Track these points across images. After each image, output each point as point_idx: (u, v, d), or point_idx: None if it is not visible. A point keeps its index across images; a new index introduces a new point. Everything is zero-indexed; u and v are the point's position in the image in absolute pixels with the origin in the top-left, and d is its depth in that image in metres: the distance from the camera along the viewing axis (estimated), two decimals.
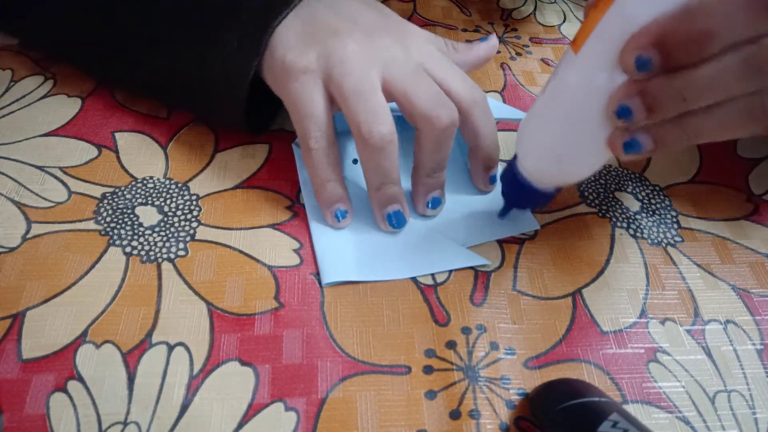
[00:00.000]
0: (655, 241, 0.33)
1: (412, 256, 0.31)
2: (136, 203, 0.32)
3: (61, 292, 0.29)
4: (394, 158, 0.30)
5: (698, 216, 0.35)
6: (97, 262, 0.30)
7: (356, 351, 0.28)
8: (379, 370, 0.27)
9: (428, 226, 0.33)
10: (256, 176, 0.34)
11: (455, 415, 0.26)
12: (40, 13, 0.35)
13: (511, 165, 0.29)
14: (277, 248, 0.31)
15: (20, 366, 0.26)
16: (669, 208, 0.35)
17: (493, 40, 0.36)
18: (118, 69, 0.35)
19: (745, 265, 0.33)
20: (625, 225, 0.34)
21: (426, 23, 0.47)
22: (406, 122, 0.31)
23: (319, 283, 0.30)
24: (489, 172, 0.34)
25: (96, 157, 0.35)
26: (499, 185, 0.34)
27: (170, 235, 0.31)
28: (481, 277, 0.31)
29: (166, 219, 0.32)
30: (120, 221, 0.32)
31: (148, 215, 0.32)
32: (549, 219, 0.34)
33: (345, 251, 0.31)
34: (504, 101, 0.41)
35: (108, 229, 0.31)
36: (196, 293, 0.29)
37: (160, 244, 0.31)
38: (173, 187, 0.33)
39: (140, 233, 0.31)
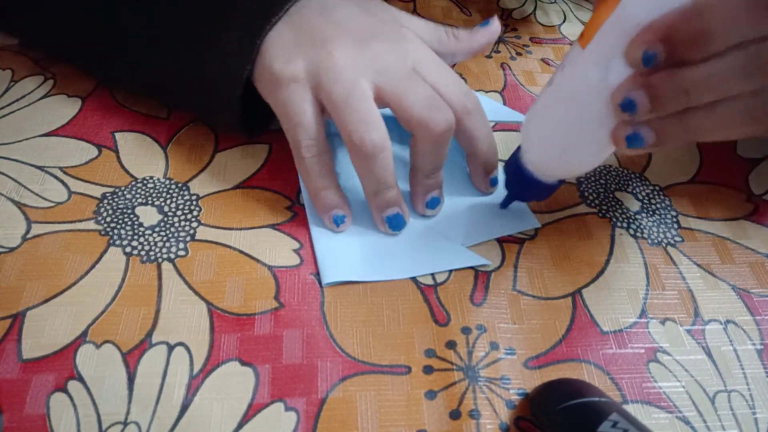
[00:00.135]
0: (655, 241, 0.33)
1: (412, 256, 0.31)
2: (136, 203, 0.32)
3: (61, 292, 0.29)
4: (388, 164, 0.29)
5: (698, 216, 0.35)
6: (97, 262, 0.30)
7: (356, 351, 0.28)
8: (379, 370, 0.27)
9: (428, 226, 0.33)
10: (256, 176, 0.34)
11: (455, 415, 0.26)
12: (40, 13, 0.35)
13: (515, 156, 0.30)
14: (277, 248, 0.31)
15: (20, 366, 0.26)
16: (669, 208, 0.35)
17: (494, 25, 0.35)
18: (118, 69, 0.35)
19: (745, 265, 0.33)
20: (625, 225, 0.34)
21: None
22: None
23: (319, 283, 0.30)
24: (489, 175, 0.34)
25: (96, 157, 0.35)
26: (499, 186, 0.35)
27: (170, 235, 0.31)
28: (481, 277, 0.31)
29: (166, 219, 0.32)
30: (120, 221, 0.32)
31: (148, 215, 0.32)
32: (549, 219, 0.34)
33: (345, 251, 0.31)
34: (504, 101, 0.41)
35: (108, 229, 0.31)
36: (196, 293, 0.29)
37: (160, 244, 0.31)
38: (173, 187, 0.33)
39: (140, 233, 0.31)
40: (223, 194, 0.33)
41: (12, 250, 0.30)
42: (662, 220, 0.34)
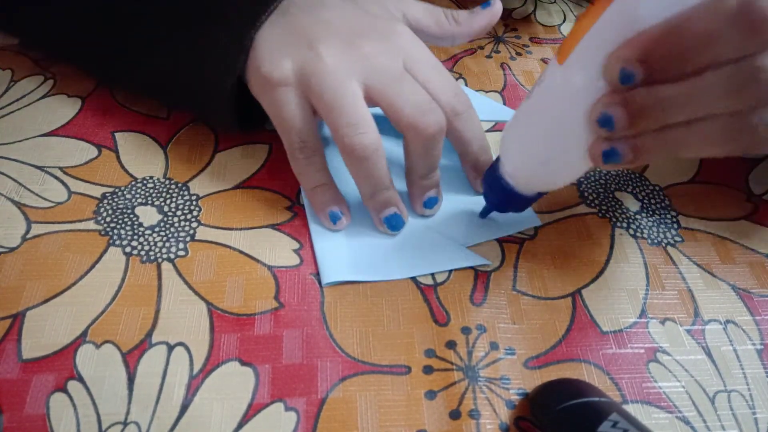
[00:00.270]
0: (655, 241, 0.33)
1: (412, 256, 0.31)
2: (136, 203, 0.32)
3: (61, 292, 0.29)
4: (381, 165, 0.29)
5: (698, 216, 0.35)
6: (97, 262, 0.30)
7: (356, 351, 0.28)
8: (379, 370, 0.27)
9: (428, 226, 0.33)
10: (256, 176, 0.34)
11: (455, 415, 0.26)
12: (40, 12, 0.35)
13: (493, 168, 0.29)
14: (277, 248, 0.31)
15: (20, 366, 0.26)
16: (669, 208, 0.35)
17: (496, 6, 0.35)
18: (118, 68, 0.35)
19: (745, 265, 0.33)
20: (625, 225, 0.34)
21: None
22: None
23: (319, 283, 0.30)
24: (481, 175, 0.34)
25: (96, 157, 0.35)
26: None
27: (170, 235, 0.31)
28: (481, 277, 0.31)
29: (166, 219, 0.32)
30: (120, 221, 0.32)
31: (148, 215, 0.32)
32: (549, 219, 0.34)
33: (345, 251, 0.31)
34: (504, 101, 0.41)
35: (108, 229, 0.31)
36: (196, 293, 0.29)
37: (160, 244, 0.31)
38: (173, 187, 0.33)
39: (140, 233, 0.31)
40: (223, 194, 0.33)
41: (12, 250, 0.30)
42: (662, 220, 0.34)
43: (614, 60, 0.21)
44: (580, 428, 0.23)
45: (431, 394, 0.27)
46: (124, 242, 0.31)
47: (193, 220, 0.32)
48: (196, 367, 0.27)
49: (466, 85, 0.42)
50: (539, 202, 0.34)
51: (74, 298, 0.28)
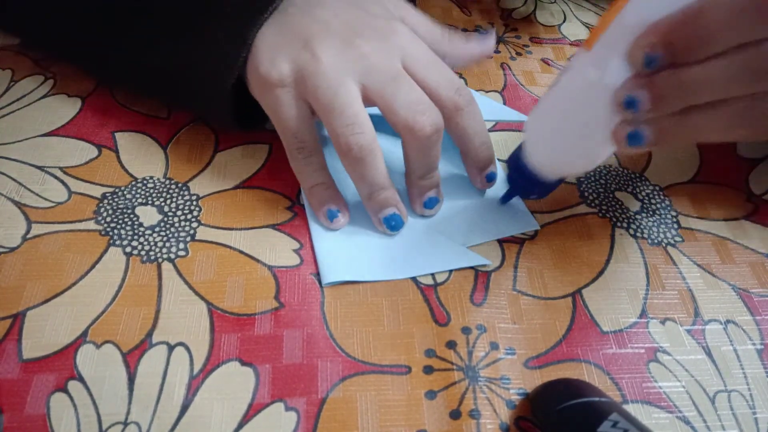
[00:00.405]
0: (655, 241, 0.33)
1: (412, 256, 0.31)
2: (136, 203, 0.32)
3: (62, 292, 0.29)
4: (378, 165, 0.29)
5: (698, 216, 0.35)
6: (97, 262, 0.30)
7: (356, 351, 0.28)
8: (379, 370, 0.27)
9: (428, 226, 0.33)
10: (256, 176, 0.34)
11: (455, 415, 0.26)
12: (41, 12, 0.35)
13: (517, 153, 0.30)
14: (277, 248, 0.31)
15: (20, 366, 0.26)
16: (669, 208, 0.35)
17: (490, 41, 0.35)
18: (118, 68, 0.35)
19: (745, 265, 0.33)
20: (625, 225, 0.34)
21: None
22: None
23: (319, 283, 0.30)
24: (484, 172, 0.33)
25: (96, 157, 0.35)
26: (497, 184, 0.35)
27: (170, 235, 0.31)
28: (481, 277, 0.31)
29: (166, 219, 0.32)
30: (120, 221, 0.32)
31: (148, 215, 0.32)
32: (549, 219, 0.34)
33: (345, 251, 0.31)
34: (504, 101, 0.41)
35: (108, 229, 0.31)
36: (197, 293, 0.29)
37: (160, 244, 0.31)
38: (173, 187, 0.33)
39: (140, 233, 0.31)
40: (223, 194, 0.33)
41: (12, 250, 0.30)
42: (662, 220, 0.34)
43: (638, 44, 0.21)
44: (580, 428, 0.23)
45: (431, 394, 0.27)
46: (125, 242, 0.31)
47: (193, 220, 0.32)
48: (197, 367, 0.27)
49: (466, 84, 0.42)
50: (540, 202, 0.34)
51: (74, 298, 0.28)
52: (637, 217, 0.34)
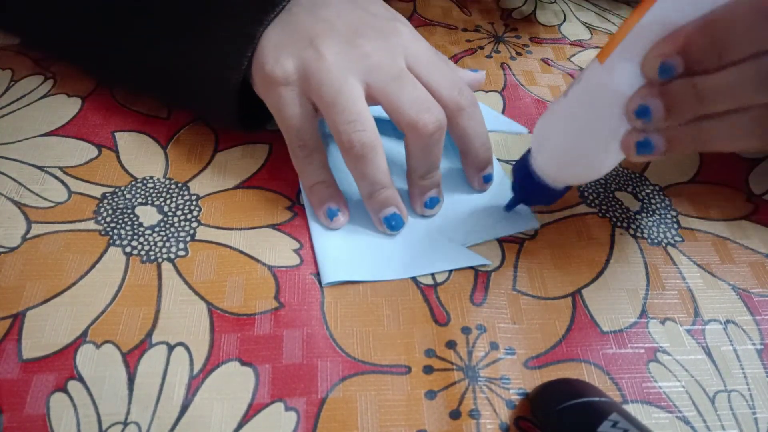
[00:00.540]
0: (655, 241, 0.33)
1: (412, 256, 0.31)
2: (136, 203, 0.32)
3: (61, 292, 0.29)
4: (380, 164, 0.29)
5: (698, 216, 0.35)
6: (97, 262, 0.30)
7: (356, 351, 0.28)
8: (379, 370, 0.27)
9: (428, 225, 0.33)
10: (256, 176, 0.34)
11: (455, 415, 0.26)
12: (41, 12, 0.35)
13: (524, 161, 0.30)
14: (277, 248, 0.31)
15: (20, 366, 0.26)
16: (669, 208, 0.35)
17: (480, 75, 0.36)
18: (118, 68, 0.35)
19: (745, 265, 0.33)
20: (625, 225, 0.34)
21: (426, 23, 0.47)
22: None
23: (319, 283, 0.30)
24: (482, 173, 0.34)
25: (96, 157, 0.35)
26: (495, 183, 0.35)
27: (170, 235, 0.31)
28: (481, 277, 0.31)
29: (166, 219, 0.32)
30: (120, 221, 0.32)
31: (148, 215, 0.32)
32: (549, 219, 0.34)
33: (345, 251, 0.31)
34: (504, 101, 0.41)
35: (108, 229, 0.31)
36: (196, 293, 0.29)
37: (160, 244, 0.31)
38: (173, 187, 0.33)
39: (140, 233, 0.31)
40: (223, 194, 0.33)
41: (12, 250, 0.30)
42: (662, 220, 0.34)
43: (654, 54, 0.21)
44: (580, 428, 0.23)
45: (431, 394, 0.27)
46: (124, 242, 0.31)
47: (193, 220, 0.32)
48: (197, 367, 0.27)
49: None
50: None
51: (74, 298, 0.28)
52: (637, 217, 0.34)
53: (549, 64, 0.44)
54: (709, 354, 0.29)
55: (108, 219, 0.32)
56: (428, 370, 0.27)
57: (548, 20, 0.49)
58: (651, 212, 0.35)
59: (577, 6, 0.51)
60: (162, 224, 0.32)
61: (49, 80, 0.39)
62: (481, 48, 0.45)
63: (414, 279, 0.31)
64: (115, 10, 0.33)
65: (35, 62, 0.40)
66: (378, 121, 0.29)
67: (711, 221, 0.35)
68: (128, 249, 0.30)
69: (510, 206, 0.33)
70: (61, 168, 0.34)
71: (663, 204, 0.35)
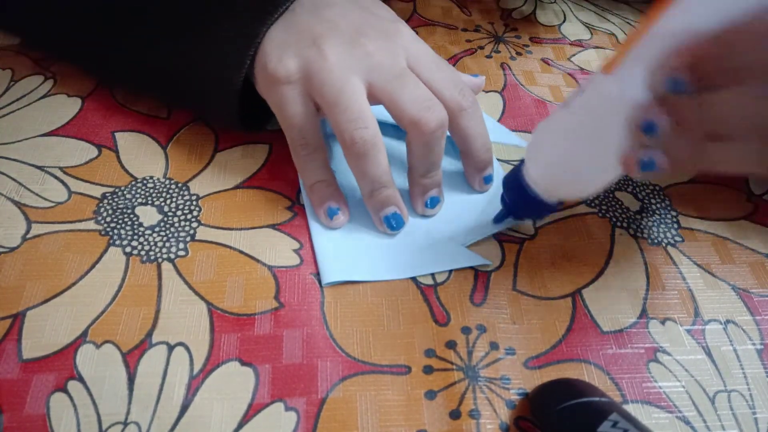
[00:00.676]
0: (655, 241, 0.33)
1: (412, 256, 0.31)
2: (136, 203, 0.32)
3: (61, 292, 0.29)
4: (381, 161, 0.30)
5: (698, 216, 0.35)
6: (97, 262, 0.30)
7: (356, 351, 0.28)
8: (379, 370, 0.27)
9: (428, 226, 0.33)
10: (256, 176, 0.34)
11: (455, 415, 0.26)
12: (41, 12, 0.35)
13: (516, 173, 0.29)
14: (277, 248, 0.31)
15: (20, 366, 0.26)
16: (669, 208, 0.35)
17: (480, 80, 0.36)
18: (118, 68, 0.35)
19: (745, 265, 0.33)
20: (625, 225, 0.34)
21: (426, 23, 0.47)
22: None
23: (319, 283, 0.30)
24: (482, 174, 0.34)
25: (96, 157, 0.35)
26: (496, 184, 0.35)
27: (170, 235, 0.31)
28: (481, 277, 0.31)
29: (166, 219, 0.32)
30: (120, 221, 0.32)
31: (148, 215, 0.32)
32: (549, 219, 0.34)
33: (345, 251, 0.31)
34: (504, 101, 0.41)
35: (108, 229, 0.31)
36: (196, 293, 0.29)
37: (160, 244, 0.31)
38: (173, 187, 0.33)
39: (140, 233, 0.31)
40: (223, 194, 0.33)
41: (12, 250, 0.30)
42: (662, 220, 0.34)
43: (663, 67, 0.21)
44: (580, 428, 0.23)
45: (431, 394, 0.27)
46: (124, 242, 0.31)
47: (193, 220, 0.32)
48: (197, 367, 0.27)
49: None
50: None
51: (74, 298, 0.28)
52: (637, 217, 0.34)
53: (549, 64, 0.44)
54: (709, 354, 0.29)
55: (108, 219, 0.32)
56: (428, 370, 0.27)
57: (548, 20, 0.49)
58: (651, 212, 0.35)
59: (577, 6, 0.51)
60: (162, 224, 0.32)
61: (49, 80, 0.39)
62: (481, 48, 0.45)
63: (414, 279, 0.31)
64: (115, 10, 0.33)
65: (35, 62, 0.40)
66: (379, 123, 0.29)
67: (711, 221, 0.35)
68: (128, 249, 0.30)
69: (499, 219, 0.32)
70: (61, 168, 0.34)
71: (663, 204, 0.35)
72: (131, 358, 0.27)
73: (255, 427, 0.25)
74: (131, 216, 0.32)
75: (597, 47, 0.46)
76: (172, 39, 0.32)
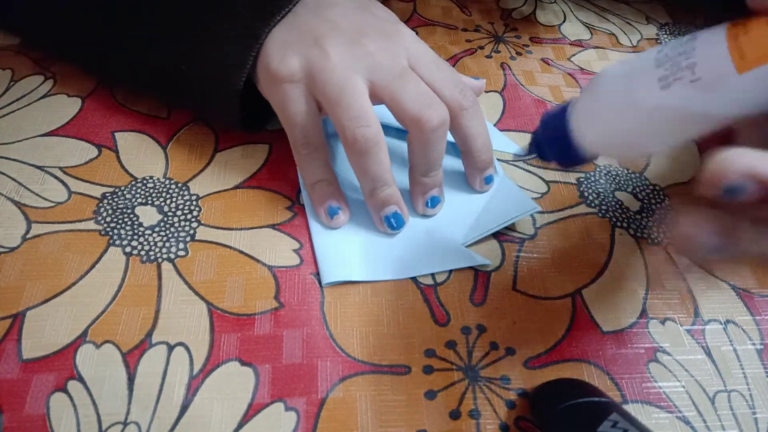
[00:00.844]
0: (655, 241, 0.33)
1: (412, 256, 0.31)
2: (136, 203, 0.32)
3: (61, 292, 0.29)
4: (383, 160, 0.30)
5: None
6: (97, 262, 0.30)
7: (356, 351, 0.28)
8: (379, 370, 0.27)
9: (428, 226, 0.33)
10: (256, 176, 0.34)
11: (455, 415, 0.26)
12: (41, 12, 0.35)
13: (562, 114, 0.24)
14: (277, 248, 0.31)
15: (20, 366, 0.26)
16: (669, 208, 0.35)
17: (480, 83, 0.36)
18: (119, 68, 0.35)
19: (745, 265, 0.33)
20: (625, 225, 0.34)
21: (426, 23, 0.47)
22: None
23: (319, 283, 0.30)
24: (483, 174, 0.34)
25: (96, 157, 0.35)
26: (495, 184, 0.34)
27: (170, 235, 0.31)
28: (481, 277, 0.31)
29: (166, 219, 0.32)
30: (120, 221, 0.32)
31: (148, 215, 0.32)
32: (549, 219, 0.34)
33: (345, 251, 0.31)
34: (504, 101, 0.41)
35: (108, 229, 0.31)
36: (196, 293, 0.29)
37: (160, 244, 0.31)
38: (173, 187, 0.33)
39: (140, 233, 0.31)
40: (223, 194, 0.33)
41: (12, 250, 0.30)
42: (662, 220, 0.34)
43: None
44: (580, 428, 0.23)
45: (431, 394, 0.27)
46: (124, 242, 0.31)
47: (193, 220, 0.32)
48: (197, 367, 0.27)
49: None
50: (540, 202, 0.34)
51: (74, 298, 0.28)
52: (637, 217, 0.34)
53: (549, 64, 0.44)
54: (709, 354, 0.29)
55: (108, 219, 0.32)
56: (428, 370, 0.27)
57: (548, 20, 0.49)
58: (651, 212, 0.35)
59: (577, 6, 0.51)
60: (162, 224, 0.32)
61: (49, 80, 0.39)
62: (481, 48, 0.45)
63: (414, 279, 0.31)
64: (115, 10, 0.33)
65: (35, 62, 0.40)
66: (381, 126, 0.30)
67: None
68: (128, 249, 0.30)
69: (523, 154, 0.28)
70: (61, 168, 0.34)
71: (663, 204, 0.35)
72: (131, 358, 0.27)
73: (255, 427, 0.25)
74: (131, 216, 0.32)
75: (597, 47, 0.46)
76: (172, 39, 0.32)
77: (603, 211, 0.35)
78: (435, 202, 0.33)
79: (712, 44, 0.18)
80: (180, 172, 0.34)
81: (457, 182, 0.35)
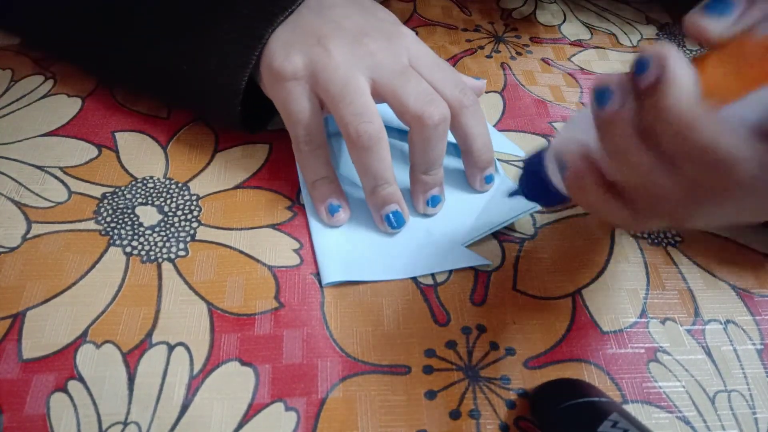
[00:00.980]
0: (655, 241, 0.33)
1: (412, 256, 0.31)
2: (136, 203, 0.32)
3: (61, 292, 0.29)
4: (385, 157, 0.30)
5: None
6: (97, 262, 0.30)
7: (356, 351, 0.28)
8: (379, 370, 0.27)
9: (428, 226, 0.33)
10: (256, 176, 0.34)
11: (455, 415, 0.26)
12: (41, 12, 0.35)
13: (538, 159, 0.26)
14: (277, 248, 0.31)
15: (20, 366, 0.26)
16: None
17: (481, 83, 0.36)
18: (119, 68, 0.35)
19: (745, 265, 0.33)
20: None
21: (426, 23, 0.47)
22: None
23: (319, 283, 0.30)
24: (483, 173, 0.34)
25: (96, 157, 0.35)
26: (495, 183, 0.34)
27: (170, 235, 0.31)
28: (481, 277, 0.31)
29: (166, 219, 0.32)
30: (120, 221, 0.32)
31: (148, 215, 0.32)
32: (549, 219, 0.34)
33: (345, 251, 0.31)
34: (504, 101, 0.41)
35: (108, 229, 0.31)
36: (197, 293, 0.29)
37: (160, 244, 0.31)
38: (173, 187, 0.33)
39: (140, 233, 0.31)
40: (223, 194, 0.33)
41: (12, 250, 0.30)
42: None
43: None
44: (580, 428, 0.23)
45: (431, 394, 0.27)
46: (125, 242, 0.31)
47: (193, 220, 0.32)
48: (197, 367, 0.27)
49: None
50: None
51: (74, 298, 0.28)
52: None
53: (549, 64, 0.44)
54: (709, 354, 0.29)
55: (108, 219, 0.32)
56: (428, 370, 0.27)
57: (548, 20, 0.49)
58: None
59: (577, 6, 0.51)
60: (162, 224, 0.32)
61: (49, 80, 0.39)
62: (481, 48, 0.45)
63: (414, 279, 0.31)
64: (115, 10, 0.33)
65: (35, 62, 0.40)
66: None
67: None
68: (128, 249, 0.30)
69: (511, 194, 0.30)
70: (61, 168, 0.34)
71: None
72: (131, 358, 0.27)
73: (255, 427, 0.25)
74: (131, 216, 0.32)
75: (597, 47, 0.46)
76: (172, 39, 0.32)
77: None
78: (435, 201, 0.33)
79: None
80: (180, 172, 0.34)
81: (458, 182, 0.35)
